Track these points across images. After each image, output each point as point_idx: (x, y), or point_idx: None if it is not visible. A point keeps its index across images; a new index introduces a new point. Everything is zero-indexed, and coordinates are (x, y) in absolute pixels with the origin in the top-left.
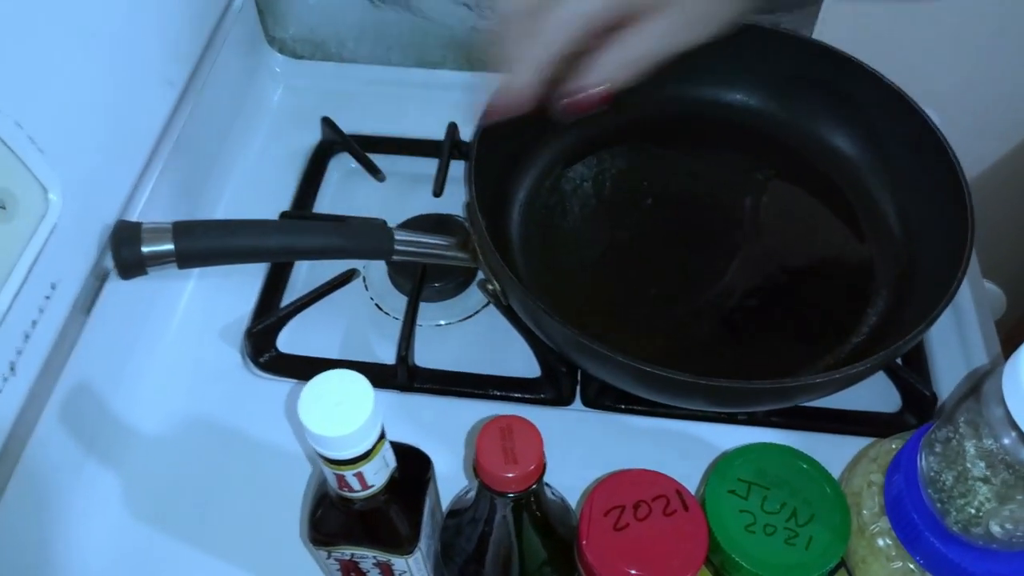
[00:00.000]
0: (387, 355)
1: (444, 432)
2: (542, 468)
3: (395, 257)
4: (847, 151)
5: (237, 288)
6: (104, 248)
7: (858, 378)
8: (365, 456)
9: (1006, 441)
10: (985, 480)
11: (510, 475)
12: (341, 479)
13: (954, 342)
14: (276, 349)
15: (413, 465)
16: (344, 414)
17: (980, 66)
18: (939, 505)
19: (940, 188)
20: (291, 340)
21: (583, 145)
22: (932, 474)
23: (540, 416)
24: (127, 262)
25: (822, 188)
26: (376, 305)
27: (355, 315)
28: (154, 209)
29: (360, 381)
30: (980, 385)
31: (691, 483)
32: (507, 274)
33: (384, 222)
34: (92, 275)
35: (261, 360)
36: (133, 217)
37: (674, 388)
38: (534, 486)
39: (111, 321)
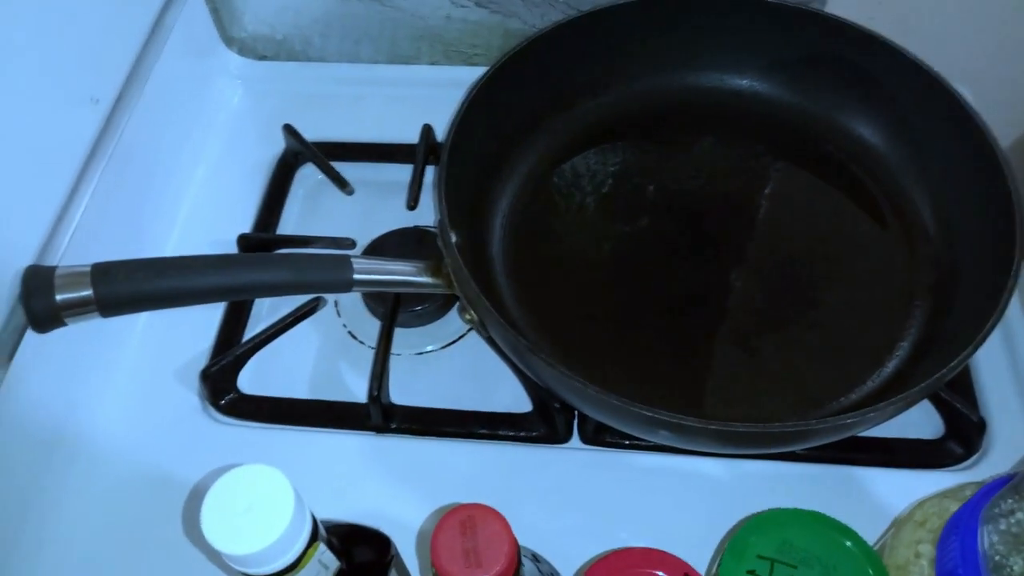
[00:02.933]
0: (362, 391)
1: (423, 480)
2: (514, 568)
3: (355, 289)
4: (871, 140)
5: (195, 322)
6: (17, 298)
7: (897, 412)
8: (292, 567)
9: None
10: None
11: None
12: None
13: (999, 352)
14: (237, 390)
15: (368, 551)
16: (257, 522)
17: (1015, 35)
18: None
19: (981, 181)
20: (255, 378)
21: (572, 144)
22: (997, 557)
23: (533, 457)
24: (39, 314)
25: (845, 183)
26: (349, 333)
27: (326, 346)
28: (86, 247)
29: (276, 478)
30: None
31: (715, 535)
32: (484, 304)
33: (352, 242)
34: (7, 330)
35: (221, 403)
36: (56, 260)
37: (683, 432)
38: None
39: (43, 369)
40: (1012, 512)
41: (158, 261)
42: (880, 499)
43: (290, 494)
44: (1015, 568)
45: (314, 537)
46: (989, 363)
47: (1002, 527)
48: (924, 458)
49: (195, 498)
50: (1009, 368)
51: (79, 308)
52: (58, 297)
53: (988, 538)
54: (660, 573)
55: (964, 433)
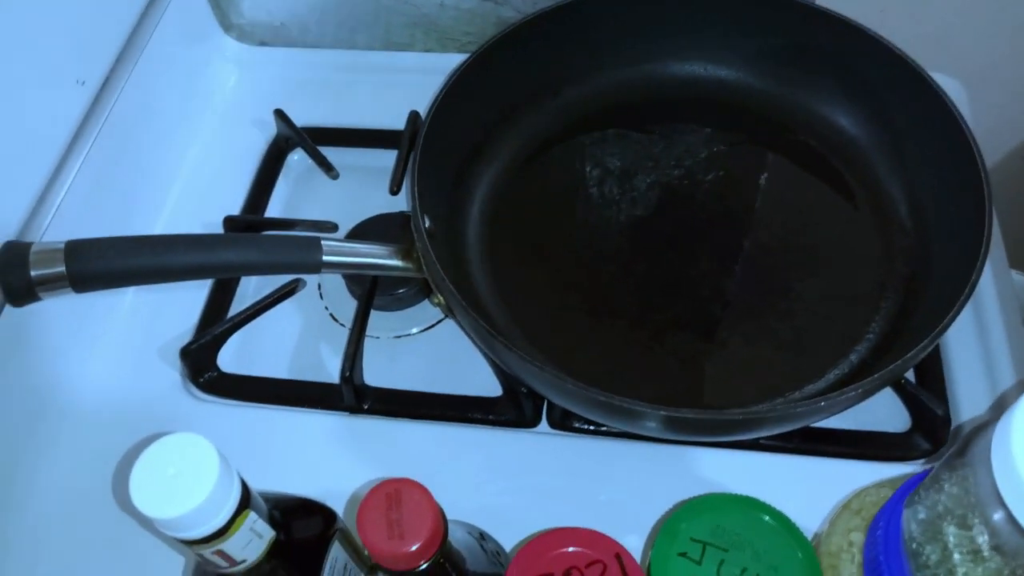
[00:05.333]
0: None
1: (392, 460)
2: (438, 542)
3: (325, 271)
4: (851, 131)
5: (181, 300)
6: None
7: (851, 403)
8: (222, 532)
9: (995, 517)
10: (971, 564)
11: (396, 552)
12: (201, 556)
13: (974, 347)
14: (217, 368)
15: (313, 523)
16: (182, 488)
17: (1005, 31)
18: None
19: (956, 174)
20: (238, 357)
21: (553, 132)
22: (915, 545)
23: (501, 440)
24: (14, 288)
25: (822, 173)
26: (331, 315)
27: (308, 327)
28: (75, 224)
29: (202, 445)
30: (968, 442)
31: None
32: (448, 287)
33: (334, 226)
34: None
35: (200, 381)
36: (38, 237)
37: (635, 417)
38: (428, 563)
39: (27, 342)
40: (929, 501)
41: (130, 239)
42: (841, 490)
43: (215, 461)
44: (931, 557)
45: (244, 505)
46: (963, 359)
47: (920, 516)
48: (890, 451)
49: (125, 466)
50: (982, 364)
51: (53, 284)
52: (32, 273)
53: (908, 526)
54: (587, 551)
55: (930, 427)
